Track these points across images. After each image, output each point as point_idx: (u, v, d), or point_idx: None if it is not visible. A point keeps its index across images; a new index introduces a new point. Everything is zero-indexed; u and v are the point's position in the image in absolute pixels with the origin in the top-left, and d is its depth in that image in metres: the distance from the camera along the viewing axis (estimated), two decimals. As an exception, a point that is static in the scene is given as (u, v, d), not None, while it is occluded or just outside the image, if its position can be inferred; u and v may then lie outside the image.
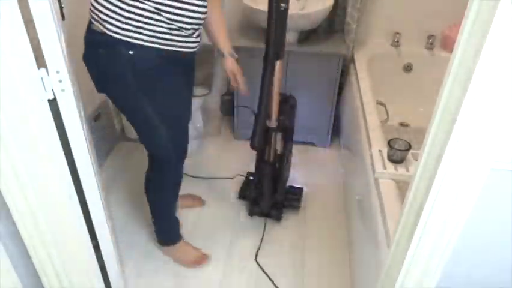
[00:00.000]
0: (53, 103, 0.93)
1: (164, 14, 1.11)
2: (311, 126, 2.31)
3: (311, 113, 2.25)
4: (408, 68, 2.37)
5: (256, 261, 1.71)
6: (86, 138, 1.03)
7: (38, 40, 0.85)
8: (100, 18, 1.12)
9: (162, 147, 1.39)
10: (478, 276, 0.93)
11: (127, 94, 1.22)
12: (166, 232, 1.69)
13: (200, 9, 1.17)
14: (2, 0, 0.76)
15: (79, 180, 1.08)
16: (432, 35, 2.27)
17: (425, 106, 2.39)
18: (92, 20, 1.16)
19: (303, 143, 2.38)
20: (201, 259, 1.69)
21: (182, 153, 1.49)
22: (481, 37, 0.61)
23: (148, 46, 1.14)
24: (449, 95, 0.70)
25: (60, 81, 0.90)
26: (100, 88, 1.29)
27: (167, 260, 1.71)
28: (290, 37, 2.13)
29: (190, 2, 1.13)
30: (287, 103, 1.68)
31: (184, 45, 1.21)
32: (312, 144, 2.40)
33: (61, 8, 1.60)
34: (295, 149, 2.28)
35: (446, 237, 0.83)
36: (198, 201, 1.96)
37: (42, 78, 0.88)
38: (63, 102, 0.94)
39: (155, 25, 1.12)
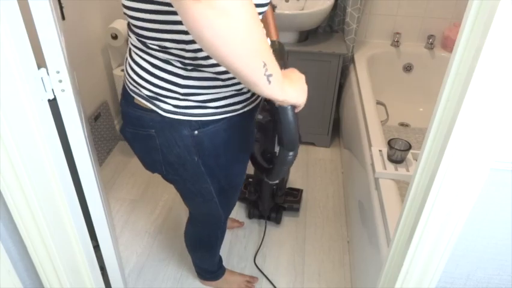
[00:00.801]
0: (53, 103, 0.93)
1: (222, 76, 0.86)
2: (311, 126, 2.31)
3: (311, 113, 2.25)
4: (408, 68, 2.37)
5: (255, 263, 1.70)
6: (86, 138, 1.03)
7: (38, 40, 0.85)
8: (147, 95, 0.88)
9: (214, 213, 1.23)
10: (478, 276, 0.93)
11: (187, 176, 1.03)
12: (212, 272, 1.57)
13: None
14: (2, 0, 0.76)
15: (79, 180, 1.08)
16: (432, 35, 2.27)
17: (425, 106, 2.39)
18: (133, 94, 0.92)
19: (303, 143, 2.38)
20: (248, 286, 1.60)
21: (231, 210, 1.33)
22: (481, 37, 0.61)
23: (214, 120, 0.92)
24: (449, 95, 0.70)
25: (60, 81, 0.90)
26: (151, 168, 1.07)
27: (167, 260, 1.71)
28: (290, 37, 2.13)
29: None
30: None
31: (247, 103, 0.98)
32: (312, 144, 2.40)
33: (61, 8, 1.61)
34: (295, 149, 2.29)
35: (446, 237, 0.83)
36: (238, 223, 1.88)
37: (42, 78, 0.88)
38: (63, 102, 0.94)
39: (217, 93, 0.89)
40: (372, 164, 1.43)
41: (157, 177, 2.17)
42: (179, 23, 0.75)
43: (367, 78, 2.02)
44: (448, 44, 2.26)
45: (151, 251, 1.75)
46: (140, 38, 0.83)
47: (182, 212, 1.94)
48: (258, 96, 1.00)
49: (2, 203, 0.99)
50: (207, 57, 0.80)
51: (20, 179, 0.94)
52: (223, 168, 1.04)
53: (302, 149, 2.37)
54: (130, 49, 0.90)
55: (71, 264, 1.16)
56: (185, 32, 0.76)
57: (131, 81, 0.90)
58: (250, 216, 1.90)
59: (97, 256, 1.22)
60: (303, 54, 2.09)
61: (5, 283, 1.04)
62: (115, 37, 2.10)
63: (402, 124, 2.36)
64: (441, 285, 0.94)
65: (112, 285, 1.39)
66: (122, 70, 2.21)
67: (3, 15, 0.77)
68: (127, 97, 0.94)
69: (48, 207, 1.02)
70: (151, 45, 0.82)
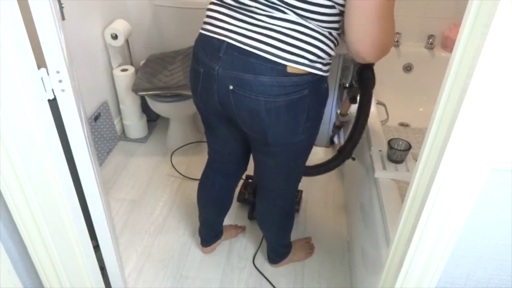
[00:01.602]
0: (53, 103, 0.93)
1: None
2: (311, 126, 2.31)
3: (311, 113, 2.25)
4: (408, 68, 2.37)
5: (254, 264, 1.70)
6: (86, 138, 1.03)
7: (38, 40, 0.85)
8: (309, 59, 1.03)
9: (300, 176, 1.42)
10: (478, 276, 0.93)
11: (313, 132, 1.22)
12: (287, 247, 1.68)
13: None
14: (2, 0, 0.76)
15: (79, 180, 1.08)
16: (432, 35, 2.27)
17: (425, 106, 2.39)
18: (287, 63, 1.02)
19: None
20: (310, 246, 1.77)
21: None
22: (481, 37, 0.61)
23: (327, 76, 1.14)
24: (449, 95, 0.70)
25: (60, 81, 0.91)
26: (284, 136, 1.16)
27: (167, 260, 1.71)
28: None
29: None
30: None
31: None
32: (312, 144, 2.40)
33: (61, 8, 1.61)
34: (295, 149, 2.29)
35: (446, 237, 0.83)
36: (241, 229, 1.87)
37: (42, 78, 0.88)
38: (63, 102, 0.94)
39: (331, 55, 1.10)
40: (372, 164, 1.43)
41: (157, 177, 2.18)
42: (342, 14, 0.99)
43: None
44: (448, 44, 2.26)
45: (151, 251, 1.75)
46: (307, 19, 0.99)
47: (182, 212, 1.94)
48: None
49: (2, 203, 0.99)
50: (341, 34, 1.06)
51: (20, 179, 0.94)
52: (319, 120, 1.23)
53: (302, 149, 2.37)
54: (276, 24, 1.01)
55: (71, 264, 1.16)
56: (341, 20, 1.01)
57: (289, 51, 1.01)
58: (250, 217, 1.90)
59: (97, 256, 1.22)
60: (303, 54, 2.09)
61: (5, 283, 1.04)
62: (115, 37, 2.10)
63: (402, 124, 2.36)
64: (441, 285, 0.94)
65: (112, 285, 1.39)
66: (123, 70, 2.21)
67: (3, 15, 0.77)
68: (274, 70, 1.03)
69: (48, 207, 1.02)
70: (316, 25, 1.00)
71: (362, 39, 0.99)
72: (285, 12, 0.98)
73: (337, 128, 2.18)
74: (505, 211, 0.81)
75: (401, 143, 1.41)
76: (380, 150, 1.47)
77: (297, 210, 1.92)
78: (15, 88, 0.84)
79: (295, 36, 1.00)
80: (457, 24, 2.23)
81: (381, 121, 1.81)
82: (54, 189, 1.00)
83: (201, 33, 1.15)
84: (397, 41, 2.30)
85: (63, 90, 0.92)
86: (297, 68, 1.03)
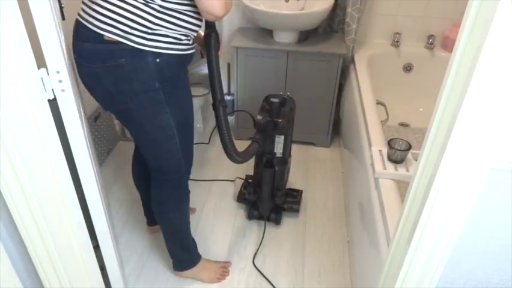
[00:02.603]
0: (53, 103, 0.93)
1: (184, 24, 1.16)
2: (311, 126, 2.31)
3: (311, 113, 2.25)
4: (408, 68, 2.37)
5: (254, 264, 1.70)
6: (86, 138, 1.03)
7: (38, 40, 0.85)
8: (121, 30, 1.10)
9: (176, 159, 1.35)
10: (478, 276, 0.93)
11: (148, 104, 1.20)
12: (188, 253, 1.60)
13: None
14: (2, 0, 0.76)
15: (79, 180, 1.08)
16: (432, 35, 2.27)
17: (425, 106, 2.39)
18: (103, 32, 1.10)
19: (303, 143, 2.38)
20: (224, 272, 1.65)
21: (191, 161, 1.46)
22: (481, 37, 0.61)
23: (171, 54, 1.16)
24: (449, 95, 0.70)
25: (60, 81, 0.91)
26: (114, 102, 1.21)
27: (167, 260, 1.71)
28: (290, 37, 2.13)
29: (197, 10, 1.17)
30: (285, 105, 1.67)
31: (191, 47, 1.25)
32: (312, 144, 2.40)
33: (61, 8, 1.61)
34: (296, 149, 2.29)
35: (446, 237, 0.83)
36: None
37: (42, 78, 0.88)
38: (63, 102, 0.94)
39: (176, 32, 1.15)
40: (372, 164, 1.43)
41: (157, 177, 2.16)
42: None
43: (367, 78, 2.02)
44: (448, 44, 2.26)
45: (151, 251, 1.75)
46: None
47: (182, 212, 1.94)
48: (193, 48, 1.27)
49: (2, 203, 0.99)
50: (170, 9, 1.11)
51: (20, 179, 0.94)
52: (177, 98, 1.25)
53: (302, 148, 2.37)
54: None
55: (71, 264, 1.16)
56: None
57: (104, 21, 1.09)
58: (249, 217, 1.90)
59: (97, 256, 1.22)
60: (303, 54, 2.09)
61: (5, 283, 1.04)
62: (115, 37, 2.09)
63: (402, 124, 2.36)
64: (441, 285, 0.94)
65: (112, 285, 1.39)
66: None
67: (3, 15, 0.77)
68: (93, 36, 1.11)
69: (48, 207, 1.02)
70: None
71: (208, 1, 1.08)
72: None
73: None
74: (505, 211, 0.81)
75: (401, 143, 1.41)
76: (380, 150, 1.47)
77: (297, 211, 1.92)
78: (15, 88, 0.84)
79: (109, 8, 1.09)
80: (456, 24, 2.23)
81: (381, 121, 1.81)
82: (54, 189, 1.00)
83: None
84: (397, 41, 2.30)
85: (63, 90, 0.92)
86: (111, 37, 1.10)
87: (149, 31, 1.11)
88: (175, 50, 1.17)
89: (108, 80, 1.15)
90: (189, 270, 1.61)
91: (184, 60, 1.24)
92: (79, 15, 1.15)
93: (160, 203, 1.45)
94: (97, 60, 1.13)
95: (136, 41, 1.11)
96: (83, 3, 1.15)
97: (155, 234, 1.81)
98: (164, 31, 1.13)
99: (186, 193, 1.49)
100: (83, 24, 1.13)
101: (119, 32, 1.10)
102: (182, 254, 1.60)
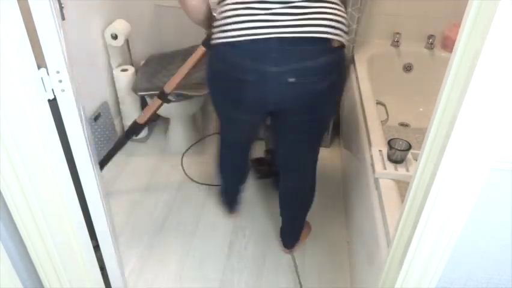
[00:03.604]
0: (53, 103, 0.93)
1: None
2: (311, 126, 2.30)
3: (311, 113, 2.24)
4: (408, 68, 2.37)
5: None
6: (86, 138, 1.03)
7: (38, 40, 0.85)
8: (342, 30, 1.15)
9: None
10: (478, 276, 0.93)
11: None
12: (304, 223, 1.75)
13: None
14: (2, 0, 0.76)
15: (79, 180, 1.08)
16: (432, 35, 2.27)
17: (425, 106, 2.39)
18: (332, 36, 1.12)
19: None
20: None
21: None
22: (481, 37, 0.61)
23: None
24: (449, 95, 0.70)
25: (60, 81, 0.90)
26: (331, 110, 1.43)
27: (167, 260, 1.71)
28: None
29: None
30: None
31: None
32: (312, 144, 2.40)
33: (61, 8, 1.61)
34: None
35: (446, 237, 0.83)
36: None
37: (42, 78, 0.88)
38: (63, 102, 0.94)
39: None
40: (372, 164, 1.43)
41: (157, 177, 2.18)
42: None
43: (367, 78, 2.02)
44: (448, 44, 2.26)
45: (151, 251, 1.75)
46: None
47: (182, 212, 1.94)
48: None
49: (2, 203, 0.99)
50: None
51: (20, 179, 0.94)
52: None
53: (302, 149, 2.37)
54: (322, 5, 1.11)
55: (71, 264, 1.16)
56: None
57: (331, 26, 1.10)
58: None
59: (97, 256, 1.22)
60: (303, 54, 2.09)
61: (5, 283, 1.04)
62: (115, 37, 2.10)
63: (402, 124, 2.36)
64: (441, 285, 0.94)
65: (112, 285, 1.39)
66: (123, 70, 2.21)
67: (3, 15, 0.77)
68: (329, 48, 1.11)
69: (48, 207, 1.02)
70: None
71: None
72: None
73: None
74: (505, 211, 0.81)
75: (401, 143, 1.41)
76: (380, 150, 1.47)
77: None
78: (15, 88, 0.84)
79: (333, 12, 1.11)
80: (457, 24, 2.22)
81: (381, 121, 1.81)
82: (54, 189, 1.00)
83: (233, 42, 1.10)
84: (397, 41, 2.30)
85: (63, 90, 0.92)
86: (338, 41, 1.13)
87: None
88: None
89: (340, 86, 1.34)
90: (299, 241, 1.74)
91: None
92: (279, 32, 1.09)
93: (311, 187, 1.63)
94: (337, 71, 1.25)
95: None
96: (277, 20, 1.09)
97: (155, 235, 1.81)
98: None
99: None
100: (300, 38, 1.10)
101: (340, 32, 1.19)
102: (301, 228, 1.72)
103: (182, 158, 2.27)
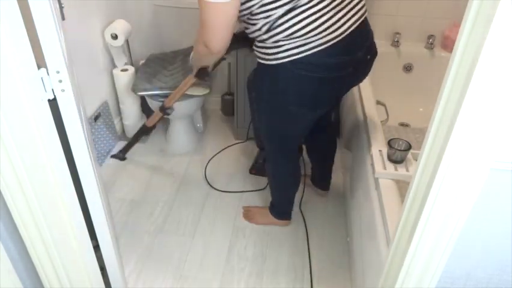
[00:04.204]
0: (53, 103, 0.93)
1: None
2: (311, 126, 2.30)
3: (311, 113, 2.24)
4: (408, 68, 2.37)
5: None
6: (86, 138, 1.03)
7: (38, 40, 0.85)
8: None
9: None
10: (478, 276, 0.93)
11: None
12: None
13: None
14: (2, 0, 0.76)
15: (79, 180, 1.08)
16: (432, 35, 2.27)
17: (425, 106, 2.39)
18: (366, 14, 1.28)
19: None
20: None
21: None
22: (481, 37, 0.61)
23: None
24: (449, 95, 0.70)
25: (60, 81, 0.90)
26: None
27: (167, 260, 1.71)
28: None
29: None
30: None
31: None
32: (312, 144, 2.39)
33: (61, 8, 1.61)
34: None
35: (446, 237, 0.83)
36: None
37: (42, 78, 0.88)
38: (63, 102, 0.94)
39: None
40: (372, 164, 1.43)
41: (157, 177, 2.18)
42: None
43: (367, 78, 2.01)
44: (448, 44, 2.26)
45: (151, 251, 1.75)
46: None
47: (182, 212, 1.94)
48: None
49: (2, 203, 0.99)
50: None
51: (20, 179, 0.94)
52: None
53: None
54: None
55: (71, 264, 1.16)
56: None
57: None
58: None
59: (97, 256, 1.22)
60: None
61: (5, 283, 1.04)
62: (115, 37, 2.10)
63: (402, 124, 2.36)
64: (441, 285, 0.94)
65: (112, 285, 1.39)
66: (123, 70, 2.21)
67: (3, 15, 0.77)
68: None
69: (48, 207, 1.02)
70: None
71: None
72: None
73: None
74: (505, 211, 0.81)
75: (401, 143, 1.41)
76: (380, 150, 1.47)
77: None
78: (15, 88, 0.84)
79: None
80: (456, 24, 2.22)
81: (381, 121, 1.81)
82: (54, 189, 1.00)
83: (322, 48, 1.16)
84: (397, 41, 2.30)
85: (63, 90, 0.92)
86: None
87: None
88: None
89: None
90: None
91: None
92: (351, 25, 1.19)
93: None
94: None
95: None
96: (343, 16, 1.17)
97: (155, 235, 1.81)
98: None
99: None
100: (362, 22, 1.24)
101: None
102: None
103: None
